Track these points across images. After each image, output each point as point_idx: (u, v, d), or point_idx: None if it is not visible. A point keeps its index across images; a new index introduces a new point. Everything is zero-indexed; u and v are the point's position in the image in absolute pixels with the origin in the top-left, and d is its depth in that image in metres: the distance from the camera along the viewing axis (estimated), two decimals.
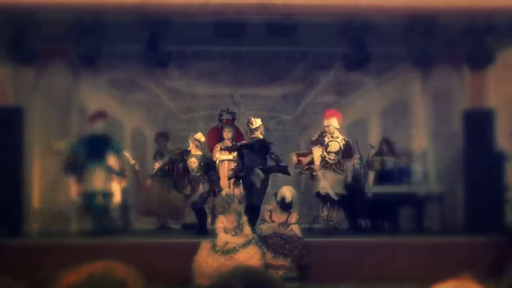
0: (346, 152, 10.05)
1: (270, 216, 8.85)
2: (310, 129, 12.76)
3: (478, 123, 10.11)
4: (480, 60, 9.86)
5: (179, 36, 9.84)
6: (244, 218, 8.63)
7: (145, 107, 12.71)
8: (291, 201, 8.85)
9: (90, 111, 11.34)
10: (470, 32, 9.76)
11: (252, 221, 8.97)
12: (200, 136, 10.37)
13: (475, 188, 9.94)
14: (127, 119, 12.88)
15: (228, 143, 10.55)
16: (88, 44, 9.35)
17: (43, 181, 10.47)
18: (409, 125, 11.99)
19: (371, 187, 10.74)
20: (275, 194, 9.02)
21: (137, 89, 12.67)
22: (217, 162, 10.70)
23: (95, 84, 11.91)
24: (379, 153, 11.17)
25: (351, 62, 10.05)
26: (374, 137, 12.25)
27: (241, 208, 8.97)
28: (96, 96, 12.00)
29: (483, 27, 9.59)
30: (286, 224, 8.74)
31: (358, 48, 9.71)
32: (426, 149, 11.23)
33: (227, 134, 10.64)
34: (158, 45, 9.53)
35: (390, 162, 10.78)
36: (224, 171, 10.63)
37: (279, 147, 12.81)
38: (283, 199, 8.82)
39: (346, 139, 10.19)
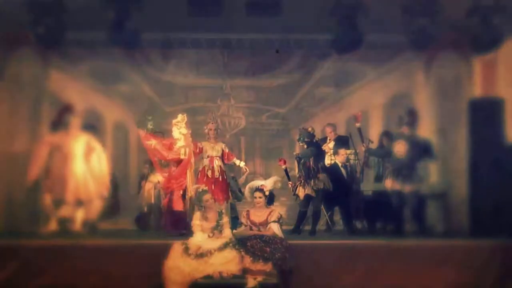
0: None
1: (248, 216, 8.22)
2: (306, 123, 12.16)
3: (486, 114, 9.88)
4: (486, 43, 9.58)
5: (150, 14, 9.47)
6: (225, 219, 8.18)
7: (127, 99, 12.22)
8: (271, 191, 8.28)
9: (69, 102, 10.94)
10: (476, 11, 9.44)
11: None
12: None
13: (482, 185, 9.66)
14: (108, 112, 12.48)
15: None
16: (47, 25, 9.20)
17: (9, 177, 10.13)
18: None
19: (367, 184, 10.45)
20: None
21: (119, 80, 12.18)
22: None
23: (74, 74, 11.58)
24: (380, 147, 10.74)
25: (342, 44, 9.80)
26: (375, 131, 11.78)
27: (222, 208, 8.71)
28: (75, 87, 11.58)
29: (490, 5, 9.31)
30: (266, 223, 8.12)
31: (349, 28, 9.49)
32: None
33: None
34: (124, 24, 9.34)
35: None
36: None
37: (271, 142, 12.47)
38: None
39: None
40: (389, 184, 9.77)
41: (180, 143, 9.61)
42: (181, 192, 9.45)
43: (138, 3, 9.23)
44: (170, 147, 9.58)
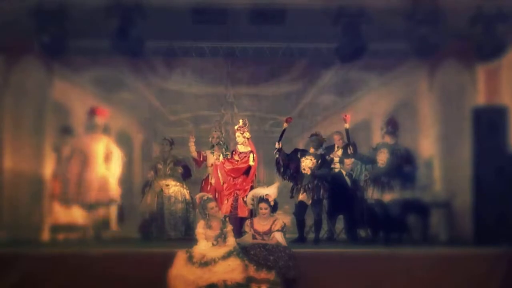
0: None
1: (252, 225, 8.18)
2: (310, 131, 12.04)
3: (490, 122, 9.67)
4: (490, 51, 9.51)
5: (154, 22, 9.45)
6: (229, 227, 8.12)
7: (131, 107, 12.11)
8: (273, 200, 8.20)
9: (73, 110, 11.11)
10: (479, 19, 9.35)
11: None
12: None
13: (485, 194, 9.48)
14: (112, 120, 12.22)
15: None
16: (51, 34, 9.20)
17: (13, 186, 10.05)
18: (415, 126, 11.56)
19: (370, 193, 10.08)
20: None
21: (123, 89, 12.19)
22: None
23: (78, 82, 11.54)
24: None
25: (345, 52, 9.66)
26: (378, 139, 11.47)
27: None
28: (79, 95, 11.54)
29: (493, 14, 9.22)
30: (269, 232, 8.09)
31: (353, 36, 9.35)
32: (433, 151, 10.88)
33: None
34: (128, 33, 9.33)
35: None
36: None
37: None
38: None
39: None
40: (369, 192, 9.67)
41: (245, 148, 9.69)
42: (244, 198, 9.30)
43: (142, 11, 9.19)
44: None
